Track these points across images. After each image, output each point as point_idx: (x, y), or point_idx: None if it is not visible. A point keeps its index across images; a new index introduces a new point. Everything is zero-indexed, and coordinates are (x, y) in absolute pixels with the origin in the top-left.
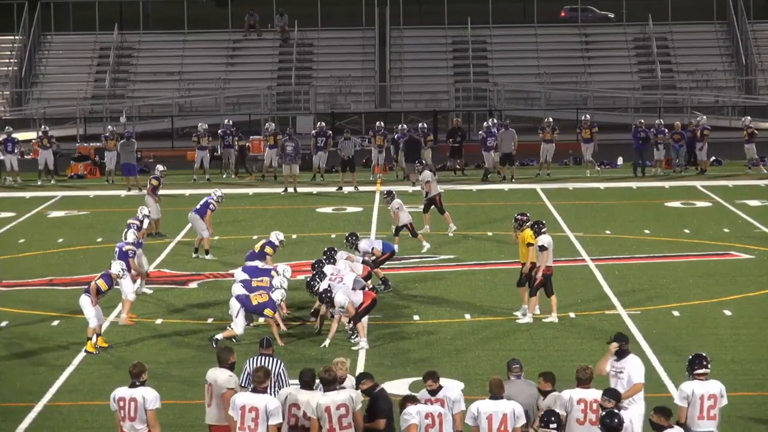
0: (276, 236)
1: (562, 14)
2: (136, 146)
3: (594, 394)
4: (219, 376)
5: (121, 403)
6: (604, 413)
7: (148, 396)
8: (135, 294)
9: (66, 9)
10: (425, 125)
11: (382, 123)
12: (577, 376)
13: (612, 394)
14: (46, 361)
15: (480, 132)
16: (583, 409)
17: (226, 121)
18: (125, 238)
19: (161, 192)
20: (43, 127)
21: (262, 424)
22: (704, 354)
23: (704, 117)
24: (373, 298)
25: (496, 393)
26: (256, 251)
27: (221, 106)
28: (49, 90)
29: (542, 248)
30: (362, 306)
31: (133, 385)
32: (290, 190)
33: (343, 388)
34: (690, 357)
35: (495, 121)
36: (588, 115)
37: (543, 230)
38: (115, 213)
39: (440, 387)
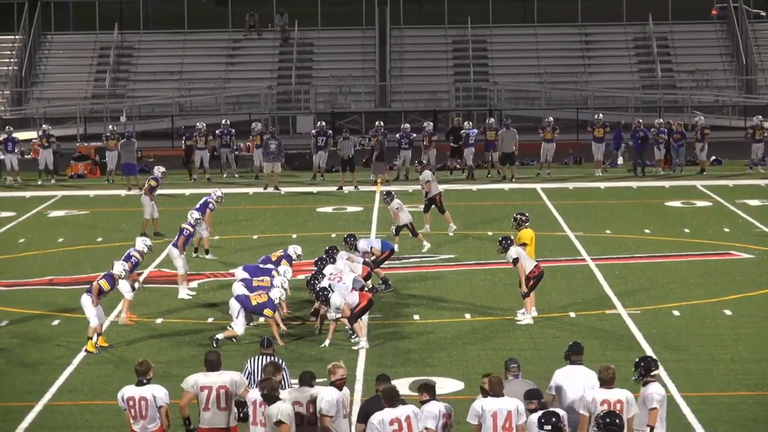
0: (294, 250)
1: (713, 12)
2: (136, 146)
3: (618, 394)
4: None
5: (131, 403)
6: (602, 413)
7: (159, 393)
8: (132, 293)
9: (66, 9)
10: (431, 124)
11: (381, 123)
12: (599, 376)
13: (534, 395)
14: (46, 360)
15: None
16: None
17: (224, 121)
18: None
19: (161, 192)
20: (43, 126)
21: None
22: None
23: (702, 117)
24: (369, 299)
25: (498, 391)
26: (273, 260)
27: (221, 106)
28: (49, 90)
29: (515, 261)
30: (358, 307)
31: (140, 383)
32: (270, 189)
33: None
34: (639, 360)
35: (492, 120)
36: (601, 114)
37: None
38: (116, 213)
39: (430, 399)
